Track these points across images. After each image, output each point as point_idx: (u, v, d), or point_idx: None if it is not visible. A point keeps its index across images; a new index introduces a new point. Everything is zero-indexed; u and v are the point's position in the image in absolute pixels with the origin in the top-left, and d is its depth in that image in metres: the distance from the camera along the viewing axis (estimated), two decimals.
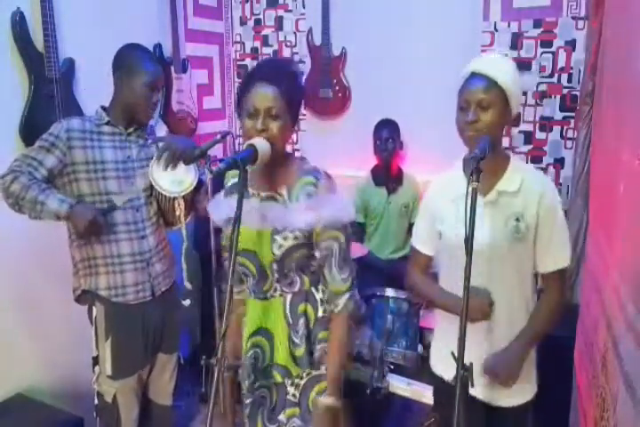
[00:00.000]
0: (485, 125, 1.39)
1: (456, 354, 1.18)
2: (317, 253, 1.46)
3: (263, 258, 1.47)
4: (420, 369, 2.36)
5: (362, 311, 1.60)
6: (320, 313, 1.51)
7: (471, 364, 1.17)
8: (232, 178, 1.57)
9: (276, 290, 1.51)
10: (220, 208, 1.55)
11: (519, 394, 1.53)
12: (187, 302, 2.05)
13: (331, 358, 1.48)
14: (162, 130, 2.00)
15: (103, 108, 1.90)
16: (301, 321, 1.49)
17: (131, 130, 1.91)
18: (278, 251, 1.43)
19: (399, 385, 2.22)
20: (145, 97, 1.84)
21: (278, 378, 1.50)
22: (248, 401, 1.58)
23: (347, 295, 1.47)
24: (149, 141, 1.97)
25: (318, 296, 1.52)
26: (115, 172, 1.86)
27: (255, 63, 3.51)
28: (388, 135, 2.90)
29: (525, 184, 1.46)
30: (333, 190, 1.45)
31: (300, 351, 1.49)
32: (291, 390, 1.52)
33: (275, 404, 1.53)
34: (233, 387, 1.64)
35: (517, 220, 1.45)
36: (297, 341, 1.49)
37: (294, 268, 1.47)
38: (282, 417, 1.52)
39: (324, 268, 1.47)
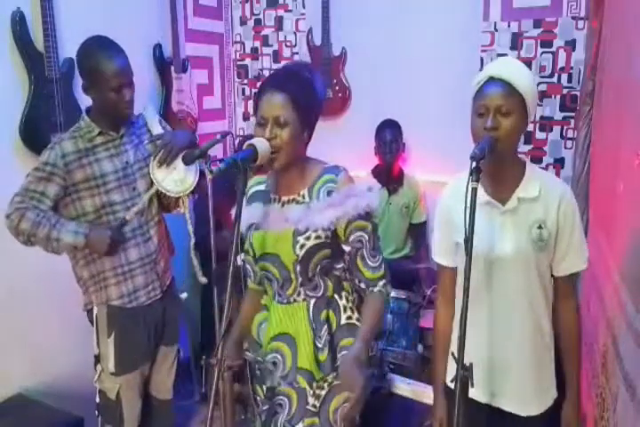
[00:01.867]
0: (505, 132, 1.34)
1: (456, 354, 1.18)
2: (347, 248, 1.46)
3: (286, 260, 1.46)
4: (420, 369, 2.36)
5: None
6: (343, 320, 1.50)
7: (471, 364, 1.17)
8: (254, 186, 1.58)
9: (299, 294, 1.49)
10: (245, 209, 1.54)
11: (539, 403, 1.50)
12: (184, 296, 2.06)
13: (367, 321, 1.45)
14: (155, 122, 1.94)
15: (87, 110, 1.85)
16: (324, 328, 1.48)
17: (122, 131, 1.87)
18: (300, 251, 1.42)
19: (399, 385, 2.21)
20: (116, 100, 1.77)
21: (302, 383, 1.46)
22: (265, 408, 1.56)
23: (383, 281, 1.49)
24: (143, 136, 1.94)
25: (341, 303, 1.51)
26: (116, 182, 1.84)
27: (254, 63, 3.53)
28: (390, 137, 2.88)
29: (544, 189, 1.41)
30: (353, 182, 1.47)
31: (324, 356, 1.47)
32: (311, 400, 1.48)
33: (293, 413, 1.49)
34: (233, 387, 1.64)
35: (540, 227, 1.40)
36: (320, 346, 1.47)
37: (318, 271, 1.47)
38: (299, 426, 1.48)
39: (356, 259, 1.47)
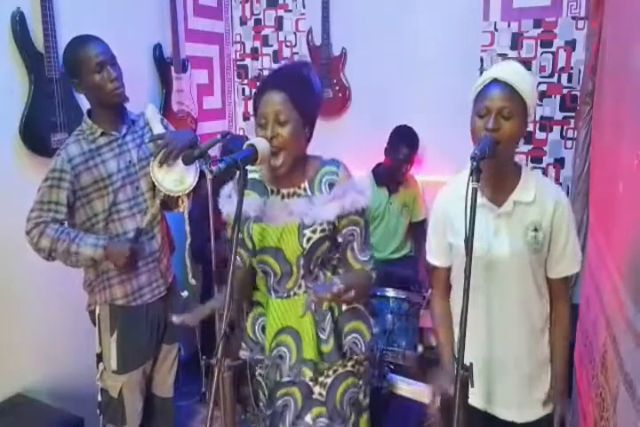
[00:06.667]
0: (506, 134, 1.34)
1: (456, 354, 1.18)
2: (340, 239, 1.48)
3: (289, 254, 1.47)
4: (420, 369, 2.36)
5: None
6: (344, 306, 1.52)
7: (471, 364, 1.17)
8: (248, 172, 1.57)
9: (300, 287, 1.51)
10: (233, 205, 1.55)
11: (532, 411, 1.50)
12: (184, 294, 2.07)
13: (354, 276, 1.48)
14: (156, 121, 1.93)
15: (88, 113, 1.86)
16: (327, 317, 1.50)
17: (124, 131, 1.88)
18: (307, 244, 1.44)
19: (399, 385, 2.21)
20: (101, 81, 1.76)
21: (308, 373, 1.49)
22: (269, 413, 1.58)
23: (371, 267, 1.52)
24: (145, 136, 1.93)
25: None
26: (121, 181, 1.85)
27: (254, 63, 3.53)
28: (406, 153, 2.80)
29: (540, 194, 1.42)
30: (351, 175, 1.49)
31: (328, 348, 1.49)
32: (317, 389, 1.51)
33: (300, 407, 1.52)
34: (233, 387, 1.64)
35: (535, 229, 1.41)
36: (323, 337, 1.49)
37: (318, 263, 1.49)
38: (308, 419, 1.51)
39: (347, 251, 1.50)
